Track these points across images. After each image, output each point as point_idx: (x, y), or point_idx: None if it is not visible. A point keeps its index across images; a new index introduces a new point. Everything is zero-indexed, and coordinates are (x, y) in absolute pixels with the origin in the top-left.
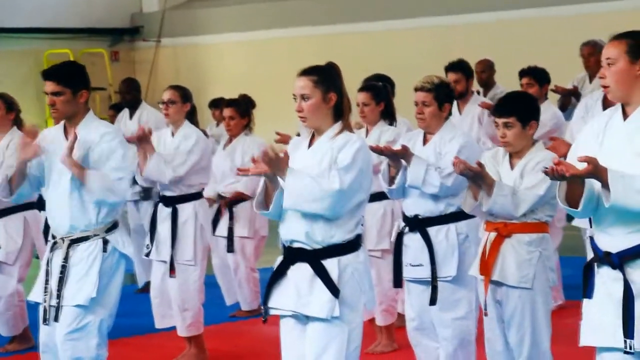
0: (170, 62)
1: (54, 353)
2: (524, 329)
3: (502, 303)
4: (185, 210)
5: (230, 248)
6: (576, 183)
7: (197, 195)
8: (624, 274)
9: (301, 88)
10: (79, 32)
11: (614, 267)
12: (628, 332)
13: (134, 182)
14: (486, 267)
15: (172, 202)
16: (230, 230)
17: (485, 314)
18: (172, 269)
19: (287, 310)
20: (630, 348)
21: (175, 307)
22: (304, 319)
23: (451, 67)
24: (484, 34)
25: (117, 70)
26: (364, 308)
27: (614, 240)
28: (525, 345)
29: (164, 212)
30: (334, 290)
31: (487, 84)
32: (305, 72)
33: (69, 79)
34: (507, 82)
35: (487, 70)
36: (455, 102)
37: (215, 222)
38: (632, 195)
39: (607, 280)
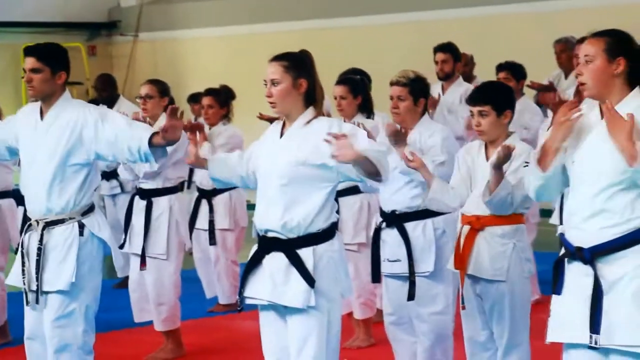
0: (148, 56)
1: (41, 341)
2: (504, 321)
3: (482, 296)
4: (161, 203)
5: (212, 241)
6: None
7: (174, 189)
8: (594, 270)
9: (271, 73)
10: (57, 26)
11: (585, 263)
12: (594, 327)
13: (112, 175)
14: (461, 261)
15: (148, 194)
16: (211, 222)
17: (463, 308)
18: (142, 262)
19: (262, 300)
20: (595, 343)
21: (151, 301)
22: (282, 309)
23: (441, 48)
24: (462, 30)
25: (94, 65)
26: (340, 297)
27: (586, 235)
28: (505, 335)
29: (140, 204)
30: (310, 280)
31: (468, 77)
32: (277, 58)
33: (50, 57)
34: (484, 78)
35: (468, 64)
36: (440, 84)
37: (194, 215)
38: None
39: (577, 276)
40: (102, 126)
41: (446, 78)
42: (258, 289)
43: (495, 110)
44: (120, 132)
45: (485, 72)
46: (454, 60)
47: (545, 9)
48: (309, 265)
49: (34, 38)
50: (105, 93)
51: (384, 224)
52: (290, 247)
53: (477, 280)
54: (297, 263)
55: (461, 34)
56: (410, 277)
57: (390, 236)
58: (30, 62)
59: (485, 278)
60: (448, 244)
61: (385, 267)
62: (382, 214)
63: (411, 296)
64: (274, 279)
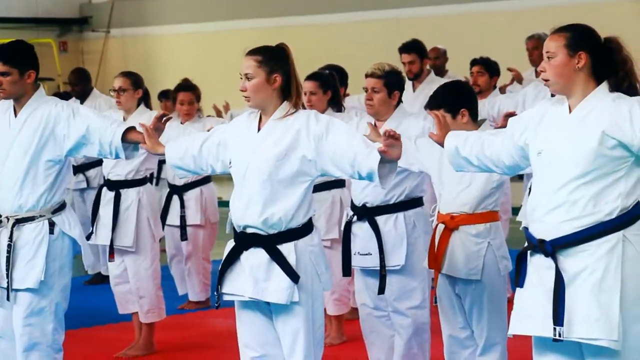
0: (119, 52)
1: (9, 339)
2: (483, 319)
3: (460, 295)
4: (129, 195)
5: (183, 237)
6: None
7: (143, 181)
8: (555, 262)
9: (245, 67)
10: (27, 22)
11: (546, 255)
12: (558, 319)
13: (79, 170)
14: (435, 260)
15: (116, 186)
16: (182, 218)
17: (435, 307)
18: (111, 253)
19: (244, 296)
20: (559, 335)
21: (134, 294)
22: (265, 305)
23: (405, 48)
24: (432, 27)
25: (65, 61)
26: (322, 291)
27: (547, 228)
28: (484, 334)
29: (108, 195)
30: (294, 275)
31: (440, 71)
32: (251, 52)
33: (16, 59)
34: (457, 75)
35: (440, 57)
36: (409, 82)
37: (165, 211)
38: None
39: (539, 269)
40: (74, 121)
41: (415, 77)
42: (238, 286)
43: (450, 112)
44: (92, 126)
45: (458, 70)
46: (420, 59)
47: (518, 6)
48: (291, 260)
49: (4, 34)
50: (79, 87)
51: (354, 218)
52: (271, 242)
53: (455, 280)
54: (279, 259)
55: (435, 31)
56: (381, 271)
57: (361, 229)
58: None
59: (460, 278)
60: (420, 238)
61: (356, 261)
62: (353, 207)
63: (381, 290)
64: (254, 275)
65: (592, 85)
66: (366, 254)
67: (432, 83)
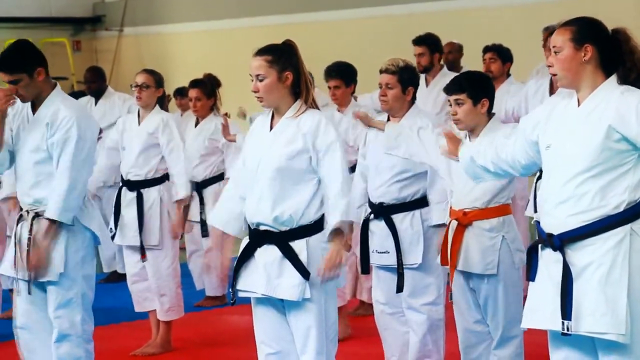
0: (132, 51)
1: (32, 331)
2: (499, 313)
3: (475, 290)
4: (151, 194)
5: (204, 233)
6: None
7: (162, 179)
8: (563, 256)
9: (256, 68)
10: (41, 22)
11: (554, 249)
12: (566, 313)
13: None
14: (450, 257)
15: (136, 186)
16: (202, 214)
17: (451, 303)
18: (142, 253)
19: (257, 293)
20: (568, 329)
21: (154, 292)
22: (279, 301)
23: (416, 41)
24: (443, 22)
25: (79, 60)
26: (335, 288)
27: (555, 222)
28: (500, 328)
29: (128, 196)
30: (304, 272)
31: (454, 66)
32: (260, 52)
33: (20, 64)
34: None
35: (454, 52)
36: (423, 76)
37: (186, 207)
38: None
39: (548, 262)
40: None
41: (425, 71)
42: (252, 282)
43: (471, 99)
44: (58, 172)
45: (472, 65)
46: (430, 53)
47: (534, 0)
48: (303, 257)
49: (18, 34)
50: (95, 85)
51: (371, 216)
52: (283, 239)
53: (469, 275)
54: (291, 256)
55: (447, 26)
56: (399, 269)
57: (378, 227)
58: (5, 76)
59: (475, 273)
60: (436, 234)
61: (375, 259)
62: (371, 205)
63: (399, 288)
64: (268, 272)
65: (601, 77)
66: (384, 252)
67: (445, 77)
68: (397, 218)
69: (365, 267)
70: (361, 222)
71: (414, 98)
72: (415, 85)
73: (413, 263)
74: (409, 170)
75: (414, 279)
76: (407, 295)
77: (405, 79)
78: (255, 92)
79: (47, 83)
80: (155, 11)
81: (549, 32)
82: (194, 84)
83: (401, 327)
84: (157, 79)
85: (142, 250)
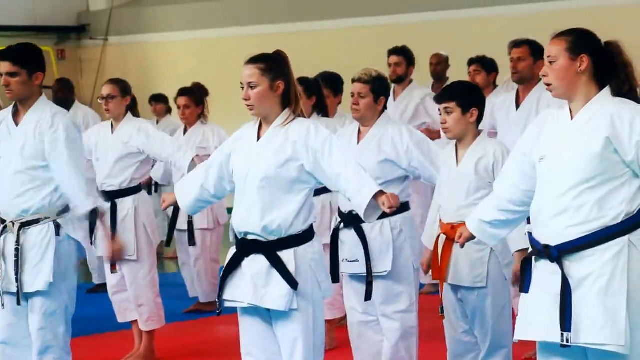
0: (117, 60)
1: (15, 345)
2: (486, 325)
3: (463, 301)
4: (125, 204)
5: (191, 241)
6: None
7: (137, 189)
8: (562, 268)
9: (248, 76)
10: (25, 30)
11: (552, 260)
12: (565, 325)
13: None
14: (440, 271)
15: (111, 196)
16: (190, 223)
17: (442, 317)
18: (112, 265)
19: (243, 303)
20: (567, 341)
21: (132, 303)
22: (266, 312)
23: (394, 51)
24: (429, 34)
25: (63, 69)
26: (322, 298)
27: (552, 233)
28: (488, 339)
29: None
30: (292, 282)
31: (440, 77)
32: (253, 60)
33: (25, 60)
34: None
35: (442, 63)
36: (392, 87)
37: (175, 216)
38: None
39: (544, 274)
40: (52, 155)
41: (398, 81)
42: (239, 292)
43: (461, 107)
44: (58, 175)
45: (456, 76)
46: (406, 64)
47: (517, 12)
48: (291, 267)
49: (2, 42)
50: (61, 94)
51: (341, 225)
52: (271, 249)
53: (457, 286)
54: (279, 265)
55: (433, 37)
56: (368, 278)
57: (348, 236)
58: (6, 66)
59: (465, 286)
60: (406, 242)
61: (345, 267)
62: (340, 214)
63: (368, 296)
64: (255, 282)
65: (594, 89)
66: (354, 261)
67: (413, 91)
68: (366, 227)
69: (336, 276)
70: (331, 231)
71: (384, 107)
72: (387, 96)
73: (383, 271)
74: (380, 177)
75: (385, 287)
76: (380, 303)
77: (378, 89)
78: (246, 100)
79: (38, 90)
80: (139, 21)
81: (514, 45)
82: (183, 92)
83: (376, 336)
84: (122, 88)
85: (113, 261)
